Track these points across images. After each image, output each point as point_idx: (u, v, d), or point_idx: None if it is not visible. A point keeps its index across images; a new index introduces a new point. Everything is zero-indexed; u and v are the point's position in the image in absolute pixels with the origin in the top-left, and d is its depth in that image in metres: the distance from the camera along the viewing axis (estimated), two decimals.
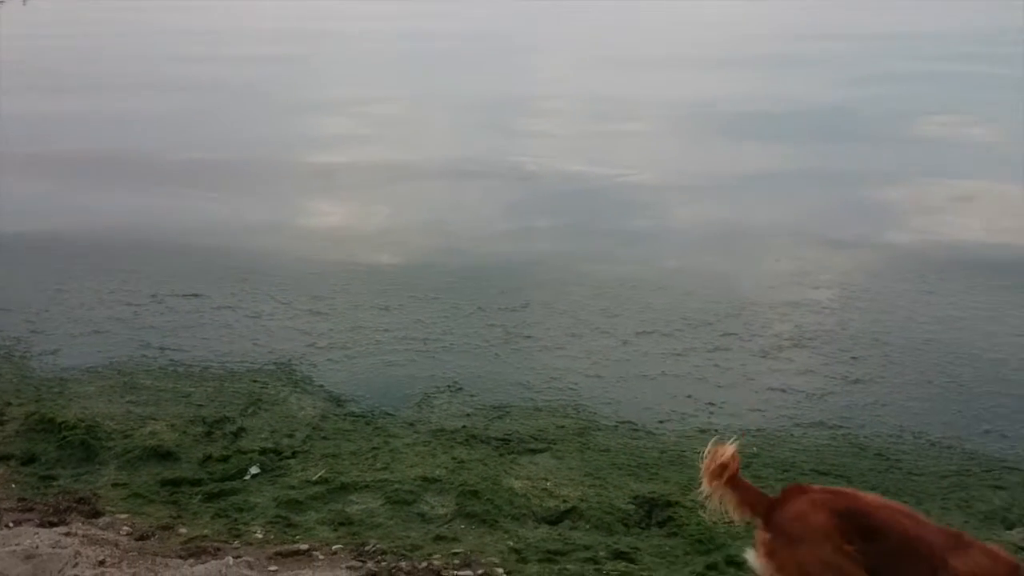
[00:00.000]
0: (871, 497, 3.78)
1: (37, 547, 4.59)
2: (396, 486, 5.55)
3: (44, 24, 40.46)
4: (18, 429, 6.25)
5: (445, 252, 10.24)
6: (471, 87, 22.68)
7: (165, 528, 5.12)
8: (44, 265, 9.70)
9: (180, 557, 4.74)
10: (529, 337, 7.88)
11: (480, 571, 4.68)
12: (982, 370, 7.16)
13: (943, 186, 12.92)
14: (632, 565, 4.81)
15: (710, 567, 4.79)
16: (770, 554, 3.69)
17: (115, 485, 5.63)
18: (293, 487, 5.59)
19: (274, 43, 33.00)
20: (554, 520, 5.30)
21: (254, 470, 5.82)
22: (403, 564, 4.68)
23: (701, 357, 7.45)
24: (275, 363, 7.39)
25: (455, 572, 4.66)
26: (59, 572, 4.41)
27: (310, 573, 4.58)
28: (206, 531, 5.09)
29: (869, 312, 8.34)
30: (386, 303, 8.63)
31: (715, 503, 3.91)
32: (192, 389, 6.93)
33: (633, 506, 5.41)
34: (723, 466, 3.85)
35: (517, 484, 5.60)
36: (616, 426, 6.43)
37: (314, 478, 5.68)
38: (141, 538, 4.99)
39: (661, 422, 6.49)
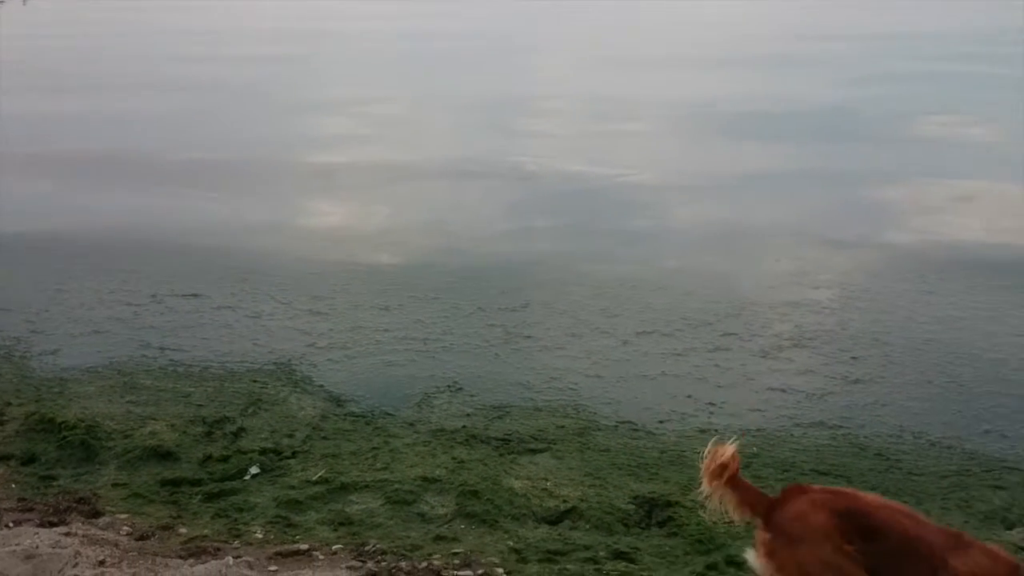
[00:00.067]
0: (871, 497, 3.78)
1: (37, 547, 4.59)
2: (396, 486, 5.55)
3: (44, 24, 40.48)
4: (18, 429, 6.25)
5: (445, 252, 10.24)
6: (471, 87, 22.68)
7: (165, 528, 5.12)
8: (44, 265, 9.70)
9: (180, 557, 4.74)
10: (529, 337, 7.88)
11: (480, 571, 4.68)
12: (982, 370, 7.16)
13: (943, 186, 12.92)
14: (632, 565, 4.81)
15: (710, 567, 4.79)
16: (770, 554, 3.69)
17: (115, 485, 5.63)
18: (293, 487, 5.59)
19: (274, 43, 33.01)
20: (554, 520, 5.30)
21: (254, 470, 5.82)
22: (403, 564, 4.68)
23: (701, 357, 7.45)
24: (275, 363, 7.39)
25: (455, 572, 4.65)
26: (59, 572, 4.41)
27: (310, 573, 4.58)
28: (206, 531, 5.09)
29: (869, 312, 8.34)
30: (386, 303, 8.63)
31: (715, 503, 3.91)
32: (192, 389, 6.92)
33: (633, 506, 5.40)
34: (723, 466, 3.85)
35: (517, 484, 5.59)
36: (616, 426, 6.43)
37: (314, 478, 5.68)
38: (141, 538, 4.99)
39: (661, 422, 6.49)
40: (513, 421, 6.47)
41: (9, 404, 6.62)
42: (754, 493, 3.89)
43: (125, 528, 5.09)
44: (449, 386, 7.01)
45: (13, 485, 5.61)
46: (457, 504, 5.38)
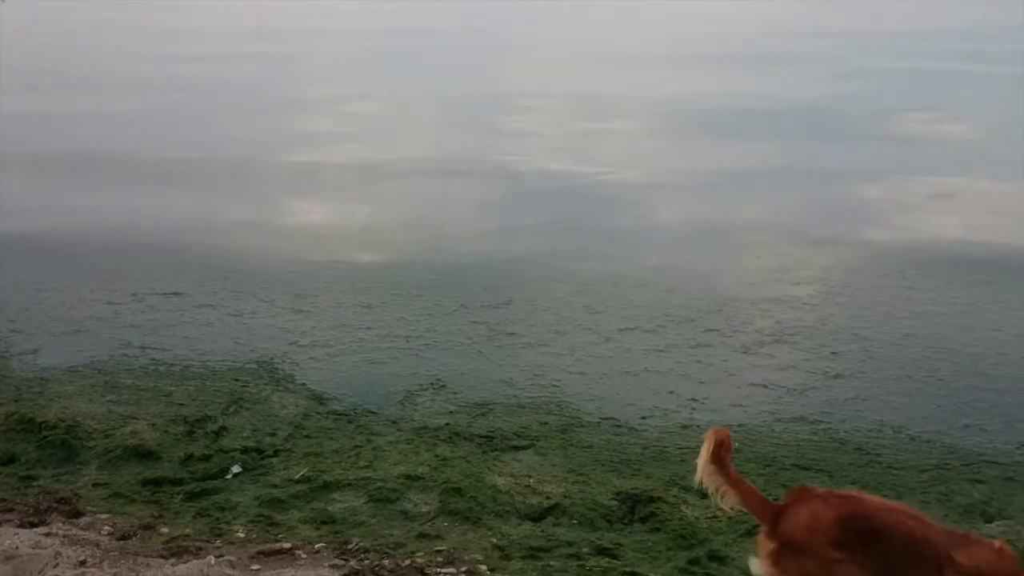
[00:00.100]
0: (876, 500, 3.76)
1: (17, 548, 4.55)
2: (379, 484, 5.54)
3: (22, 21, 40.10)
4: None
5: (428, 250, 10.23)
6: (457, 85, 22.64)
7: (146, 528, 5.10)
8: (24, 264, 9.63)
9: (162, 557, 4.72)
10: (512, 334, 7.89)
11: (463, 568, 4.68)
12: (961, 365, 7.22)
13: (922, 183, 13.01)
14: (615, 561, 4.83)
15: (692, 562, 4.82)
16: (775, 563, 3.67)
17: (96, 485, 5.59)
18: (275, 486, 5.57)
19: (257, 41, 32.84)
20: (537, 517, 5.31)
21: (236, 469, 5.80)
22: (386, 562, 4.68)
23: (683, 353, 7.48)
24: (257, 361, 7.37)
25: (438, 570, 4.65)
26: (39, 573, 4.39)
27: (293, 572, 4.57)
28: (188, 530, 5.07)
29: (849, 308, 8.40)
30: (369, 301, 8.62)
31: (712, 488, 3.89)
32: (173, 388, 6.89)
33: (616, 502, 5.42)
34: (720, 443, 3.84)
35: (500, 481, 5.60)
36: (599, 422, 6.45)
37: (296, 477, 5.66)
38: (122, 538, 4.97)
39: (644, 418, 6.51)
40: (496, 418, 6.48)
41: None
42: (758, 498, 3.86)
43: (106, 528, 5.06)
44: (432, 384, 7.01)
45: None
46: (440, 501, 5.38)
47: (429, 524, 5.20)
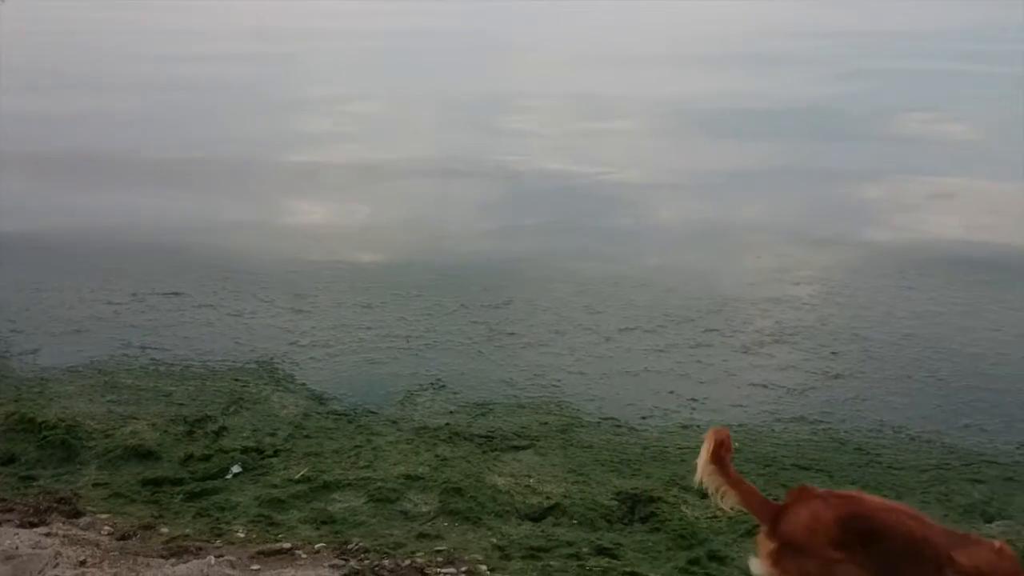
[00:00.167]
0: (876, 500, 3.75)
1: (17, 548, 4.55)
2: (379, 484, 5.54)
3: (23, 21, 40.10)
4: None
5: (428, 250, 10.23)
6: (457, 85, 22.64)
7: (146, 528, 5.10)
8: (24, 264, 9.63)
9: (162, 557, 4.72)
10: (512, 334, 7.89)
11: (463, 568, 4.68)
12: (961, 365, 7.22)
13: (922, 183, 13.01)
14: (615, 561, 4.83)
15: (692, 562, 4.82)
16: (775, 563, 3.66)
17: (96, 485, 5.59)
18: (275, 486, 5.57)
19: (257, 41, 32.84)
20: (537, 517, 5.31)
21: (236, 469, 5.80)
22: (386, 562, 4.68)
23: (683, 353, 7.48)
24: (257, 361, 7.37)
25: (438, 570, 4.65)
26: (39, 573, 4.39)
27: (293, 572, 4.57)
28: (188, 530, 5.07)
29: (849, 308, 8.40)
30: (369, 301, 8.62)
31: (712, 487, 3.88)
32: (173, 388, 6.89)
33: (616, 502, 5.42)
34: (720, 443, 3.83)
35: (500, 481, 5.60)
36: (599, 422, 6.45)
37: (296, 477, 5.66)
38: (122, 538, 4.97)
39: (644, 418, 6.51)
40: (496, 418, 6.48)
41: None
42: (758, 498, 3.85)
43: (106, 528, 5.06)
44: (432, 384, 7.01)
45: None
46: (440, 501, 5.38)
47: (429, 524, 5.20)
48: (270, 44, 31.55)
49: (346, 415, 6.54)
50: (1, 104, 18.73)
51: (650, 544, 5.01)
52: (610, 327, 8.00)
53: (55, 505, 5.29)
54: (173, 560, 4.66)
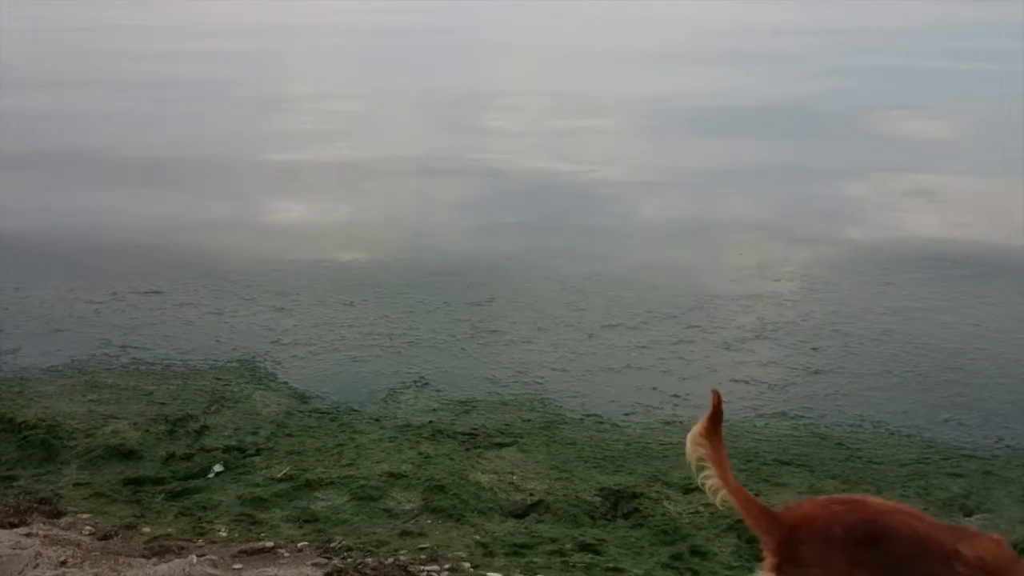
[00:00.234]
0: (880, 502, 3.72)
1: None
2: (362, 482, 5.54)
3: (4, 19, 39.71)
4: None
5: (411, 248, 10.22)
6: (438, 83, 22.59)
7: (128, 527, 5.07)
8: (2, 263, 9.55)
9: (143, 556, 4.70)
10: (495, 332, 7.90)
11: (447, 566, 4.69)
12: (940, 360, 7.28)
13: (902, 180, 13.09)
14: (598, 557, 4.85)
15: (675, 557, 4.84)
16: None
17: (77, 485, 5.56)
18: (257, 485, 5.56)
19: (237, 39, 32.66)
20: (520, 513, 5.32)
21: (218, 468, 5.78)
22: (369, 560, 4.67)
23: (666, 350, 7.51)
24: (238, 360, 7.35)
25: (422, 567, 4.66)
26: (19, 573, 4.36)
27: (275, 571, 4.56)
28: (170, 530, 5.05)
29: (829, 304, 8.45)
30: (351, 299, 8.60)
31: (711, 488, 3.79)
32: (154, 387, 6.86)
33: (599, 498, 5.44)
34: (713, 418, 3.73)
35: (483, 478, 5.61)
36: (582, 419, 6.47)
37: (279, 475, 5.65)
38: (104, 538, 4.95)
39: (627, 414, 6.54)
40: (479, 415, 6.49)
41: None
42: (758, 507, 3.77)
43: (87, 528, 5.04)
44: (415, 381, 7.01)
45: None
46: (423, 499, 5.39)
47: (412, 522, 5.20)
48: (251, 41, 31.39)
49: (329, 413, 6.53)
50: None
51: (633, 540, 5.03)
52: (593, 324, 8.02)
53: (36, 505, 5.26)
54: (155, 560, 4.64)
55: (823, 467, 5.78)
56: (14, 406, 6.45)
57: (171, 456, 5.89)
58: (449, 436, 6.18)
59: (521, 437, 6.17)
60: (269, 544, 4.87)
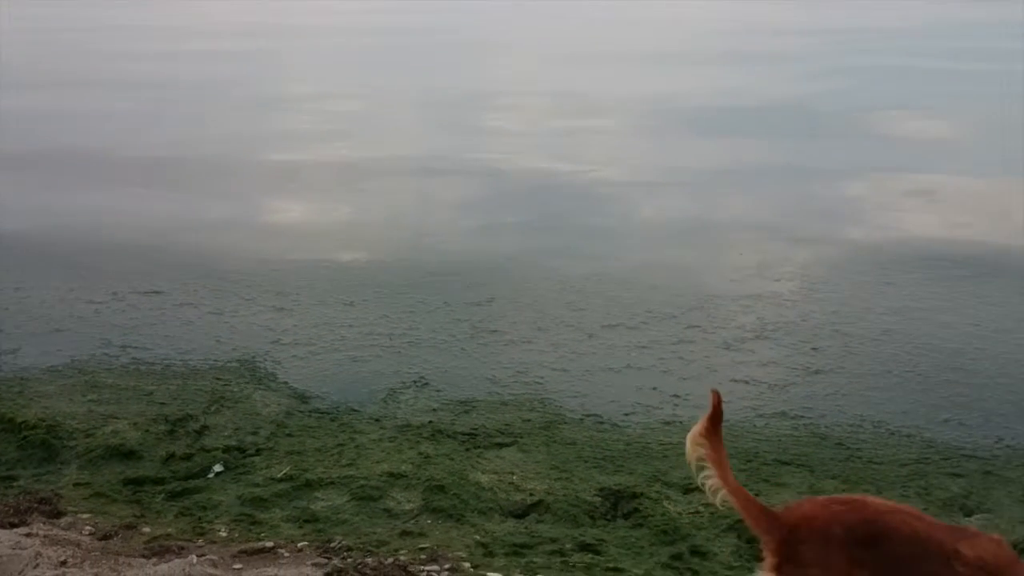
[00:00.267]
0: (880, 502, 3.72)
1: None
2: (362, 482, 5.54)
3: (2, 18, 39.71)
4: None
5: (411, 248, 10.22)
6: (438, 83, 22.59)
7: (128, 527, 5.07)
8: (2, 263, 9.55)
9: (143, 556, 4.70)
10: (495, 331, 7.90)
11: (447, 566, 4.69)
12: (940, 360, 7.28)
13: (902, 180, 13.09)
14: (598, 557, 4.85)
15: (675, 557, 4.84)
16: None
17: (77, 485, 5.56)
18: (257, 485, 5.56)
19: (238, 39, 32.66)
20: (520, 513, 5.32)
21: (218, 468, 5.78)
22: (369, 560, 4.67)
23: (666, 350, 7.51)
24: (238, 360, 7.35)
25: (422, 567, 4.66)
26: (19, 573, 4.36)
27: (275, 570, 4.56)
28: (170, 530, 5.05)
29: (829, 304, 8.45)
30: (351, 299, 8.60)
31: (711, 488, 3.78)
32: (154, 387, 6.86)
33: (599, 498, 5.44)
34: (713, 418, 3.73)
35: (483, 478, 5.61)
36: (582, 419, 6.47)
37: (279, 475, 5.65)
38: (104, 538, 4.95)
39: (627, 414, 6.54)
40: (479, 415, 6.49)
41: None
42: (758, 507, 3.77)
43: (87, 528, 5.04)
44: (415, 381, 7.01)
45: None
46: (423, 499, 5.39)
47: (412, 522, 5.20)
48: (251, 41, 31.38)
49: (328, 413, 6.53)
50: None
51: (633, 540, 5.03)
52: (593, 324, 8.02)
53: (36, 505, 5.26)
54: (155, 560, 4.64)
55: (823, 467, 5.78)
56: (14, 406, 6.45)
57: (171, 456, 5.89)
58: (449, 436, 6.18)
59: (521, 437, 6.17)
60: (269, 544, 4.87)
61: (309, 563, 4.65)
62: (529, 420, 6.41)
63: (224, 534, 5.02)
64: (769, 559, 3.61)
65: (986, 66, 23.32)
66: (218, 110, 19.14)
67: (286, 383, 6.98)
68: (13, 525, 4.96)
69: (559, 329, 7.95)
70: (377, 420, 6.42)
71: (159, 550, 4.78)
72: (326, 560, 4.68)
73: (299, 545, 4.88)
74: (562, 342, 7.69)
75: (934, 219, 11.20)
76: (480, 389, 6.90)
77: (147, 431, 6.17)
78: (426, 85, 22.22)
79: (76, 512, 5.23)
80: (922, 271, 9.22)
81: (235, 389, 6.83)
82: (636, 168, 14.08)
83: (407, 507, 5.34)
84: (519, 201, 12.22)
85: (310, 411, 6.56)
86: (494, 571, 4.67)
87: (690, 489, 5.31)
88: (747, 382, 6.97)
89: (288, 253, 9.99)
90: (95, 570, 4.48)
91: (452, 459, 5.85)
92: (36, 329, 7.93)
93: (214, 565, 4.56)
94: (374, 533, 5.05)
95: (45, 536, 4.79)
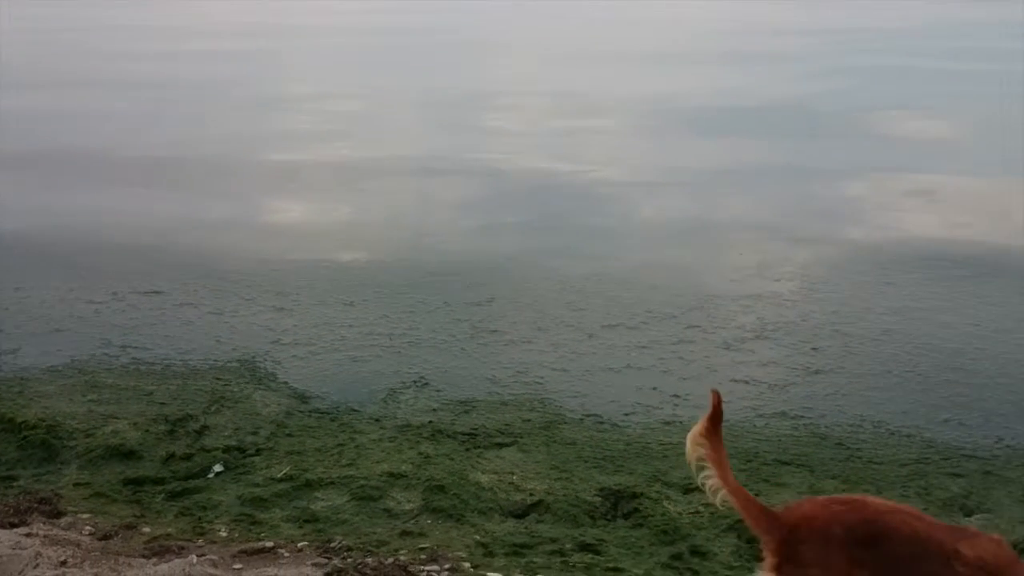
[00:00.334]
0: (880, 502, 3.72)
1: None
2: (362, 482, 5.54)
3: (3, 19, 39.71)
4: None
5: (411, 248, 10.22)
6: (437, 83, 22.59)
7: (128, 527, 5.08)
8: (2, 263, 9.55)
9: (143, 556, 4.70)
10: (495, 331, 7.90)
11: (447, 566, 4.69)
12: (940, 360, 7.28)
13: (902, 180, 13.09)
14: (598, 557, 4.85)
15: (675, 557, 4.84)
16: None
17: (77, 485, 5.56)
18: (257, 485, 5.56)
19: (238, 39, 32.66)
20: (520, 513, 5.32)
21: (218, 468, 5.78)
22: (369, 560, 4.67)
23: (666, 350, 7.51)
24: (238, 360, 7.35)
25: (422, 567, 4.66)
26: (19, 573, 4.36)
27: (275, 570, 4.56)
28: (170, 530, 5.05)
29: (829, 304, 8.45)
30: (351, 299, 8.60)
31: (711, 488, 3.76)
32: (154, 387, 6.86)
33: (599, 498, 5.44)
34: (713, 418, 3.72)
35: (483, 478, 5.61)
36: (582, 419, 6.47)
37: (279, 475, 5.65)
38: (104, 538, 4.95)
39: (627, 414, 6.54)
40: (479, 415, 6.49)
41: None
42: (758, 507, 3.75)
43: (87, 528, 5.04)
44: (415, 381, 7.01)
45: None
46: (423, 499, 5.39)
47: (412, 522, 5.20)
48: (251, 41, 31.37)
49: (328, 413, 6.53)
50: None
51: (633, 540, 5.03)
52: (593, 324, 8.02)
53: (36, 505, 5.26)
54: (155, 560, 4.64)
55: (823, 467, 5.78)
56: (14, 406, 6.45)
57: (171, 456, 5.89)
58: (449, 436, 6.18)
59: (521, 437, 6.17)
60: (269, 544, 4.87)
61: (309, 563, 4.65)
62: (529, 420, 6.41)
63: (224, 534, 5.02)
64: (769, 559, 3.61)
65: (986, 66, 23.31)
66: (218, 110, 19.14)
67: (286, 383, 6.98)
68: (13, 525, 4.96)
69: (559, 329, 7.95)
70: (377, 420, 6.42)
71: (159, 550, 4.78)
72: (326, 560, 4.68)
73: (299, 545, 4.89)
74: (562, 342, 7.69)
75: (934, 219, 11.20)
76: (480, 389, 6.90)
77: (147, 431, 6.17)
78: (426, 85, 22.21)
79: (76, 512, 5.23)
80: (922, 271, 9.22)
81: (235, 389, 6.83)
82: (636, 168, 14.09)
83: (407, 507, 5.34)
84: (519, 201, 12.22)
85: (310, 411, 6.56)
86: (494, 571, 4.67)
87: (690, 489, 5.31)
88: (747, 382, 6.97)
89: (288, 253, 9.98)
90: (95, 570, 4.48)
91: (452, 459, 5.85)
92: (36, 329, 7.93)
93: (214, 565, 4.56)
94: (374, 533, 5.05)
95: (45, 536, 4.79)
